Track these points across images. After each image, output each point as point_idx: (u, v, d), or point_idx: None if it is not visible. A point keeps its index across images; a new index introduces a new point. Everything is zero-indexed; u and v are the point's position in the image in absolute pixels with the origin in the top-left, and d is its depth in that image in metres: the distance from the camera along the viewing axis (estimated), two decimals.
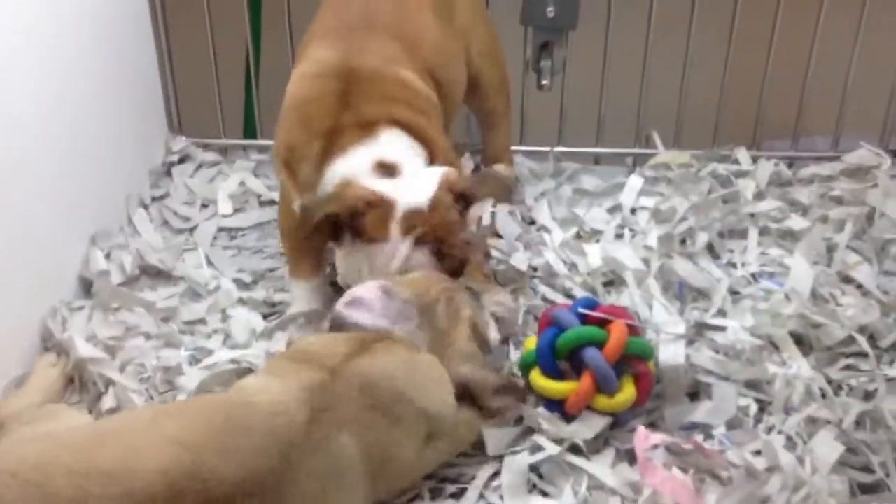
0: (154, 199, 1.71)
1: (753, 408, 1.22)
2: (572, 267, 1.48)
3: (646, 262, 1.45)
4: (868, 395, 1.22)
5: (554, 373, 1.17)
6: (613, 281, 1.45)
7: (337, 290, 1.45)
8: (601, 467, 1.12)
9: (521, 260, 1.48)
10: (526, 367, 1.21)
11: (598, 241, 1.55)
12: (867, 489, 1.11)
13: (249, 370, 1.28)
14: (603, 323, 1.18)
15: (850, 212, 1.57)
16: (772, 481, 1.08)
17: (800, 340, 1.31)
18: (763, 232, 1.56)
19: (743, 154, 1.75)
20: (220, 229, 1.64)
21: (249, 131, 2.01)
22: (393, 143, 1.27)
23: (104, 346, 1.33)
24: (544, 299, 1.43)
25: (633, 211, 1.64)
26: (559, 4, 1.73)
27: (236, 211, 1.69)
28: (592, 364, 1.14)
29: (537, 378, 1.18)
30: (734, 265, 1.49)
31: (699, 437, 1.17)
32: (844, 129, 1.83)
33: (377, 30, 1.37)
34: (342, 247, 1.26)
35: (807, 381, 1.23)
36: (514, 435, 1.16)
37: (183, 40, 1.84)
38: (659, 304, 1.34)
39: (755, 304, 1.38)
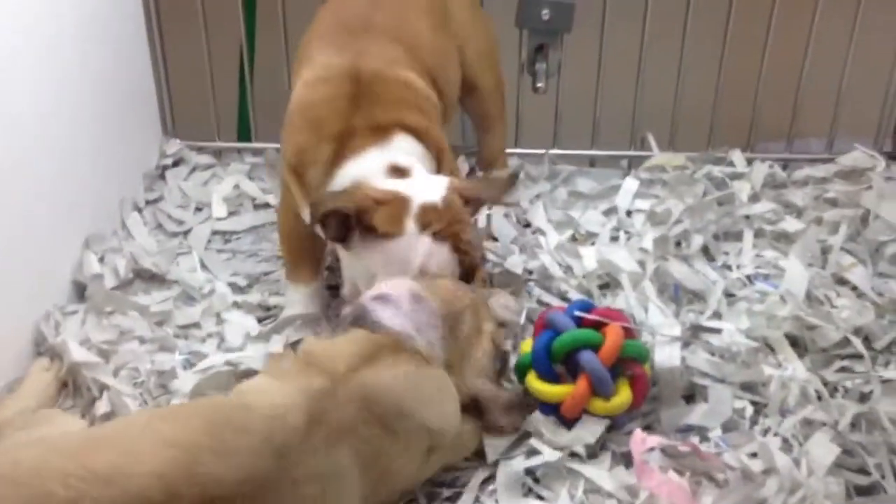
0: (148, 202, 1.71)
1: (749, 410, 1.22)
2: (568, 269, 1.48)
3: (641, 264, 1.45)
4: (863, 397, 1.23)
5: (550, 376, 1.17)
6: (609, 283, 1.45)
7: (333, 294, 1.46)
8: (597, 471, 1.12)
9: (516, 263, 1.48)
10: (522, 370, 1.20)
11: (593, 243, 1.55)
12: (863, 491, 1.11)
13: (245, 373, 1.28)
14: (598, 326, 1.18)
15: (845, 214, 1.58)
16: (768, 483, 1.08)
17: (795, 342, 1.31)
18: (758, 234, 1.56)
19: (738, 156, 1.76)
20: (215, 233, 1.64)
21: (244, 134, 2.01)
22: (405, 148, 1.27)
23: (98, 351, 1.33)
24: (539, 302, 1.42)
25: (629, 213, 1.64)
26: (554, 7, 1.72)
27: (230, 214, 1.69)
28: (588, 367, 1.13)
29: (533, 381, 1.17)
30: (729, 267, 1.50)
31: (695, 440, 1.17)
32: (838, 131, 1.83)
33: (377, 33, 1.37)
34: (350, 248, 1.24)
35: (802, 383, 1.23)
36: (514, 442, 1.15)
37: (177, 43, 1.84)
38: (654, 306, 1.34)
39: (750, 306, 1.38)
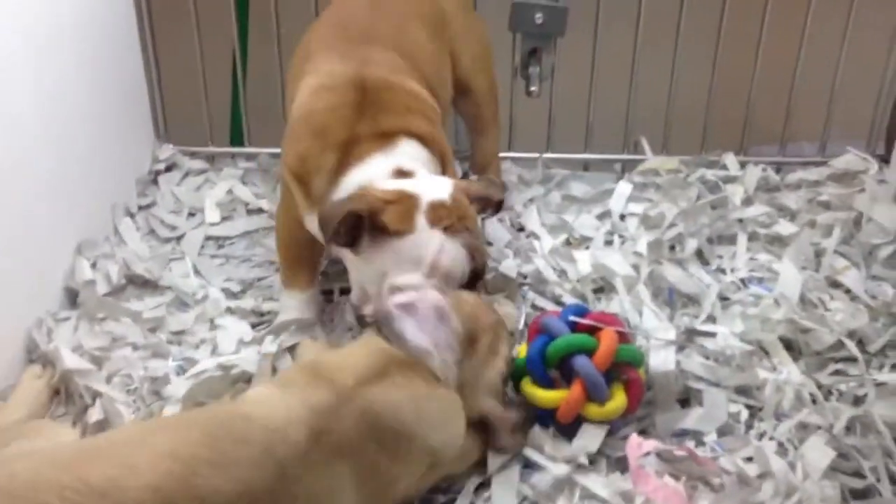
0: (140, 207, 1.70)
1: (744, 414, 1.21)
2: (562, 274, 1.48)
3: (635, 268, 1.45)
4: (858, 400, 1.23)
5: (544, 381, 1.16)
6: (603, 287, 1.44)
7: (328, 299, 1.46)
8: (593, 477, 1.11)
9: (510, 267, 1.47)
10: (517, 375, 1.20)
11: (587, 247, 1.55)
12: (858, 495, 1.11)
13: (239, 377, 1.27)
14: (592, 330, 1.18)
15: (838, 217, 1.58)
16: (764, 488, 1.08)
17: (789, 345, 1.31)
18: (752, 237, 1.56)
19: (731, 160, 1.76)
20: (208, 238, 1.63)
21: (236, 139, 2.01)
22: (410, 153, 1.27)
23: (90, 357, 1.32)
24: (534, 306, 1.42)
25: (623, 217, 1.64)
26: (547, 11, 1.72)
27: (224, 219, 1.68)
28: (582, 372, 1.13)
29: (528, 386, 1.17)
30: (723, 271, 1.50)
31: (690, 444, 1.17)
32: (831, 135, 1.83)
33: (377, 42, 1.37)
34: (360, 251, 1.23)
35: (797, 387, 1.23)
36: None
37: (169, 48, 1.83)
38: (649, 310, 1.34)
39: (745, 310, 1.38)
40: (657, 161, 1.77)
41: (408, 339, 1.08)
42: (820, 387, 1.25)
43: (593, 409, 1.14)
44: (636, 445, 1.09)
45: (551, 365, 1.17)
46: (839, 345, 1.30)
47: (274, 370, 1.29)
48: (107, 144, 1.64)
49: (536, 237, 1.58)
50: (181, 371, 1.31)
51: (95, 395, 1.25)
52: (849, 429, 1.17)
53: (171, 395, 1.26)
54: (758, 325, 1.34)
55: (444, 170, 1.32)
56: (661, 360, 1.22)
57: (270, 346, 1.33)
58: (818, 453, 1.13)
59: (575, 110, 1.83)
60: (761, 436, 1.18)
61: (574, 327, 1.18)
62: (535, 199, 1.71)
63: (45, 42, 1.43)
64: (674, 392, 1.22)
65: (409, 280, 1.19)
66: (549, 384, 1.16)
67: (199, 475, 0.88)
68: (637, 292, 1.39)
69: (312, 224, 1.28)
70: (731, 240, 1.56)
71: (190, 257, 1.57)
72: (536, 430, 1.16)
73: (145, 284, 1.50)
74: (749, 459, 1.14)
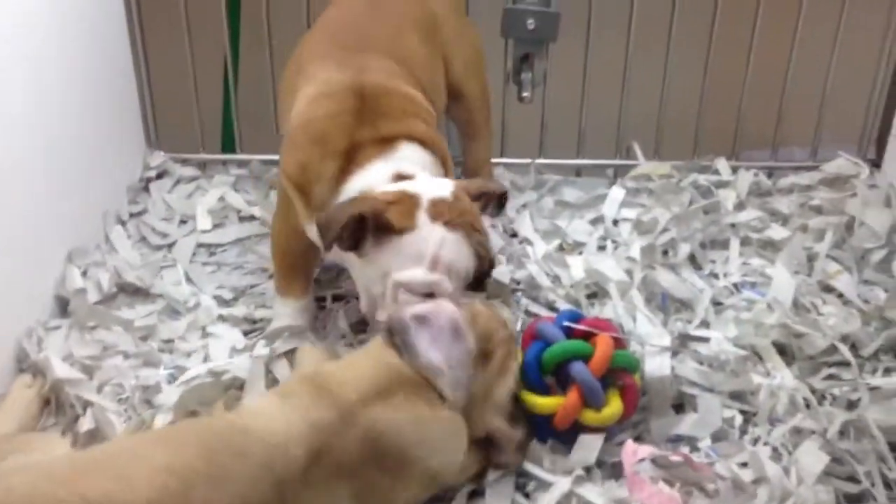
0: (131, 215, 1.69)
1: (738, 419, 1.21)
2: (555, 279, 1.48)
3: (629, 273, 1.45)
4: (851, 405, 1.23)
5: (540, 388, 1.16)
6: (597, 293, 1.44)
7: (320, 307, 1.45)
8: (588, 485, 1.11)
9: (503, 273, 1.47)
10: None
11: (580, 253, 1.55)
12: (853, 499, 1.11)
13: (231, 384, 1.26)
14: (587, 336, 1.18)
15: (830, 221, 1.58)
16: (758, 493, 1.08)
17: (782, 350, 1.31)
18: (744, 242, 1.56)
19: (723, 164, 1.76)
20: (199, 245, 1.62)
21: (228, 146, 2.00)
22: (410, 157, 1.27)
23: (81, 366, 1.31)
24: (527, 312, 1.42)
25: (616, 222, 1.64)
26: (539, 17, 1.73)
27: (215, 226, 1.67)
28: (579, 378, 1.13)
29: (524, 393, 1.16)
30: (716, 276, 1.50)
31: (685, 450, 1.16)
32: (822, 139, 1.84)
33: (372, 49, 1.37)
34: (363, 254, 1.22)
35: (791, 392, 1.23)
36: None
37: (160, 55, 1.83)
38: (643, 315, 1.34)
39: (738, 315, 1.38)
40: (649, 166, 1.77)
41: (420, 353, 1.06)
42: (813, 391, 1.25)
43: (590, 415, 1.14)
44: (631, 452, 1.08)
45: (547, 371, 1.16)
46: (832, 349, 1.30)
47: (268, 373, 1.28)
48: (97, 152, 1.63)
49: (529, 243, 1.57)
50: (173, 379, 1.30)
51: (86, 404, 1.24)
52: (842, 433, 1.17)
53: (162, 403, 1.25)
54: (751, 329, 1.34)
55: (446, 171, 1.32)
56: (656, 365, 1.21)
57: (262, 350, 1.32)
58: (812, 458, 1.13)
59: (567, 116, 1.83)
60: (755, 441, 1.18)
61: (569, 333, 1.18)
62: (527, 204, 1.71)
63: (35, 49, 1.42)
64: (668, 398, 1.22)
65: (412, 275, 1.19)
66: (545, 390, 1.16)
67: (195, 489, 0.87)
68: (630, 297, 1.39)
69: (314, 232, 1.27)
70: (724, 244, 1.56)
71: (181, 265, 1.56)
72: (534, 444, 1.15)
73: (136, 292, 1.49)
74: (743, 465, 1.14)
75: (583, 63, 1.80)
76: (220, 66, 1.94)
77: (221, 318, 1.43)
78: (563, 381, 1.16)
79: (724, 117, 1.82)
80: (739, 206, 1.65)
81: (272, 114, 1.83)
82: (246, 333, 1.41)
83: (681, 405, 1.24)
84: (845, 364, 1.28)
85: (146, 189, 1.77)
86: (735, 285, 1.47)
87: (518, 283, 1.48)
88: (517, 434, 1.13)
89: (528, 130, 1.84)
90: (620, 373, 1.16)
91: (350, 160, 1.25)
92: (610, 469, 1.14)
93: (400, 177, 1.24)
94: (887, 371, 1.29)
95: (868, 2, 1.76)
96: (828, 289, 1.46)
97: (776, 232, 1.57)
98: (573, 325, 1.18)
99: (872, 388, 1.23)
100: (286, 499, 0.91)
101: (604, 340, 1.15)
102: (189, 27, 1.80)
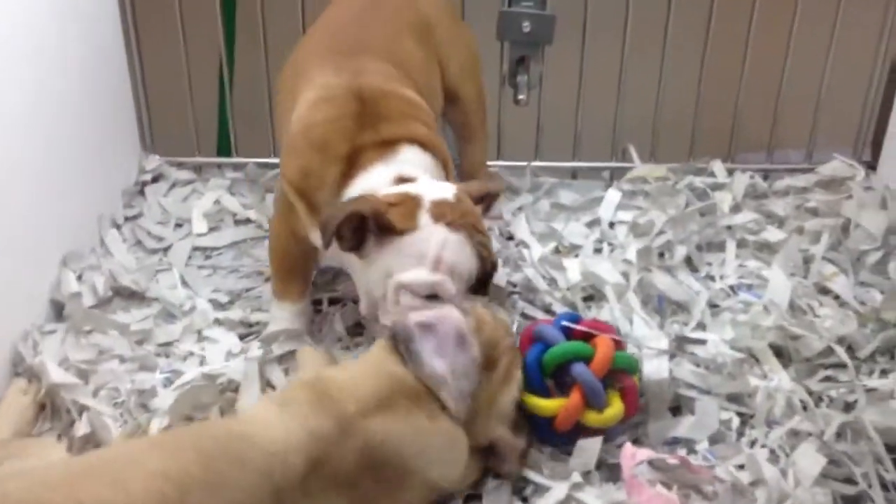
0: (127, 218, 1.69)
1: (735, 421, 1.21)
2: (552, 282, 1.47)
3: (625, 276, 1.45)
4: (848, 407, 1.22)
5: (542, 390, 1.15)
6: (593, 296, 1.44)
7: (316, 310, 1.45)
8: (587, 489, 1.11)
9: (500, 276, 1.47)
10: None
11: (576, 255, 1.55)
12: (850, 501, 1.11)
13: (227, 388, 1.26)
14: (586, 338, 1.17)
15: (826, 223, 1.58)
16: (756, 495, 1.08)
17: (779, 352, 1.31)
18: (740, 244, 1.56)
19: (718, 167, 1.77)
20: (195, 249, 1.62)
21: (224, 149, 2.00)
22: (411, 160, 1.27)
23: (77, 370, 1.31)
24: (524, 315, 1.42)
25: (612, 225, 1.64)
26: (535, 20, 1.73)
27: (211, 230, 1.67)
28: (581, 379, 1.13)
29: (525, 396, 1.15)
30: (712, 278, 1.50)
31: (682, 452, 1.16)
32: (817, 141, 1.84)
33: (368, 53, 1.37)
34: (365, 255, 1.22)
35: (788, 394, 1.23)
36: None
37: (155, 58, 1.82)
38: (639, 318, 1.34)
39: (734, 317, 1.38)
40: (645, 169, 1.77)
41: (424, 362, 1.05)
42: (810, 393, 1.25)
43: (592, 416, 1.13)
44: (630, 455, 1.08)
45: (547, 373, 1.16)
46: (829, 351, 1.30)
47: (262, 376, 1.28)
48: (92, 155, 1.63)
49: (526, 245, 1.57)
50: (169, 383, 1.29)
51: (82, 408, 1.24)
52: (839, 435, 1.16)
53: (158, 407, 1.24)
54: (748, 332, 1.34)
55: (447, 175, 1.32)
56: (653, 368, 1.21)
57: (256, 352, 1.31)
58: (809, 460, 1.13)
59: (563, 118, 1.83)
60: (753, 443, 1.18)
61: (567, 335, 1.18)
62: (523, 207, 1.70)
63: (30, 53, 1.42)
64: (666, 400, 1.21)
65: (414, 275, 1.18)
66: (545, 393, 1.16)
67: (192, 496, 0.86)
68: (627, 300, 1.38)
69: (317, 237, 1.26)
70: (720, 247, 1.56)
71: (177, 268, 1.55)
72: (532, 449, 1.15)
73: (132, 296, 1.49)
74: (741, 467, 1.14)
75: (578, 66, 1.80)
76: (216, 69, 1.93)
77: (217, 322, 1.43)
78: (561, 384, 1.15)
79: (720, 120, 1.83)
80: (735, 209, 1.65)
81: (267, 117, 1.83)
82: (242, 337, 1.40)
83: (678, 408, 1.24)
84: (842, 366, 1.28)
85: (141, 193, 1.76)
86: (731, 287, 1.47)
87: (514, 285, 1.48)
88: (520, 443, 1.12)
89: (524, 133, 1.85)
90: (620, 374, 1.16)
91: (352, 164, 1.25)
92: (607, 472, 1.14)
93: (401, 180, 1.24)
94: (884, 373, 1.29)
95: (863, 4, 1.76)
96: (824, 291, 1.46)
97: (772, 234, 1.58)
98: (573, 326, 1.18)
99: (869, 390, 1.23)
100: None
101: (604, 342, 1.15)
102: (184, 30, 1.80)
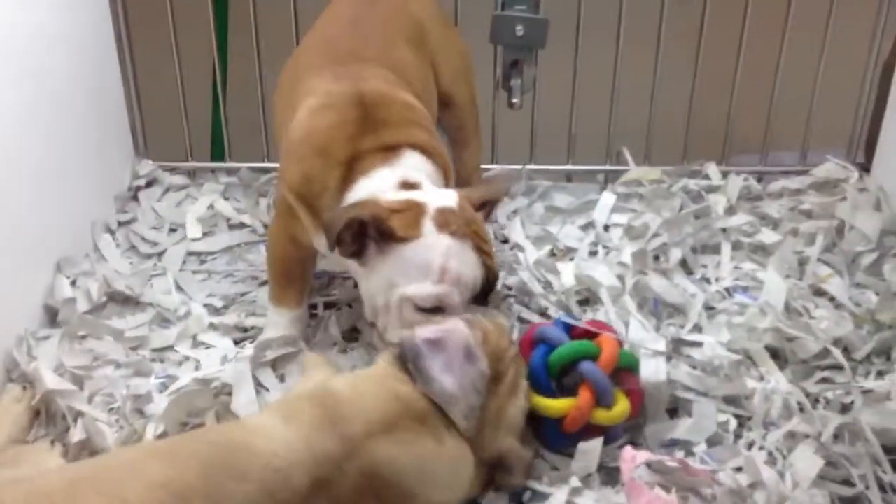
0: (121, 224, 1.68)
1: (733, 423, 1.21)
2: (547, 285, 1.47)
3: (620, 279, 1.45)
4: (845, 408, 1.22)
5: (548, 391, 1.15)
6: (589, 299, 1.44)
7: (311, 314, 1.44)
8: (586, 493, 1.10)
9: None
10: None
11: (571, 258, 1.55)
12: (848, 502, 1.11)
13: (221, 391, 1.25)
14: (588, 337, 1.17)
15: (820, 225, 1.59)
16: (755, 497, 1.08)
17: (775, 354, 1.31)
18: (735, 246, 1.56)
19: (713, 169, 1.77)
20: (189, 254, 1.61)
21: (217, 153, 1.99)
22: (414, 165, 1.26)
23: (72, 376, 1.30)
24: (520, 319, 1.41)
25: (607, 228, 1.64)
26: (528, 23, 1.73)
27: (205, 235, 1.66)
28: (590, 376, 1.12)
29: (535, 398, 1.14)
30: (708, 280, 1.50)
31: (680, 455, 1.16)
32: (811, 144, 1.84)
33: (366, 60, 1.37)
34: (366, 262, 1.21)
35: (785, 396, 1.23)
36: None
37: (148, 63, 1.82)
38: (636, 320, 1.34)
39: (730, 319, 1.38)
40: (640, 171, 1.77)
41: (434, 379, 1.04)
42: (807, 395, 1.25)
43: (601, 414, 1.13)
44: (630, 458, 1.08)
45: (553, 374, 1.16)
46: (825, 353, 1.30)
47: (255, 380, 1.27)
48: (85, 161, 1.62)
49: (521, 249, 1.57)
50: (164, 389, 1.29)
51: (77, 414, 1.23)
52: (837, 437, 1.16)
53: (154, 413, 1.23)
54: (744, 334, 1.34)
55: (447, 180, 1.32)
56: (651, 370, 1.21)
57: (247, 353, 1.31)
58: (807, 462, 1.13)
59: (557, 122, 1.83)
60: (750, 445, 1.18)
61: (569, 334, 1.18)
62: (518, 210, 1.70)
63: (22, 58, 1.41)
64: (664, 403, 1.21)
65: (419, 288, 1.17)
66: (552, 394, 1.15)
67: None
68: (623, 303, 1.38)
69: (321, 243, 1.25)
70: (715, 249, 1.56)
71: (171, 273, 1.55)
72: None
73: (126, 301, 1.48)
74: (738, 469, 1.14)
75: (572, 69, 1.80)
76: (209, 73, 1.93)
77: (212, 327, 1.42)
78: (564, 386, 1.15)
79: (714, 122, 1.83)
80: (730, 211, 1.65)
81: (261, 121, 1.83)
82: (237, 342, 1.40)
83: (675, 410, 1.24)
84: (838, 367, 1.28)
85: (135, 198, 1.76)
86: (727, 290, 1.47)
87: (510, 289, 1.47)
88: (528, 454, 1.11)
89: (519, 136, 1.85)
90: (623, 373, 1.16)
91: (353, 169, 1.24)
92: (606, 475, 1.14)
93: (405, 184, 1.23)
94: (880, 374, 1.29)
95: (855, 6, 1.76)
96: (819, 292, 1.46)
97: (767, 236, 1.58)
98: (576, 324, 1.19)
99: (865, 392, 1.23)
100: None
101: (609, 340, 1.16)
102: (176, 35, 1.79)
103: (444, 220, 1.19)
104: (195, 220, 1.68)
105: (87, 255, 1.58)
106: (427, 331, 1.08)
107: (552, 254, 1.57)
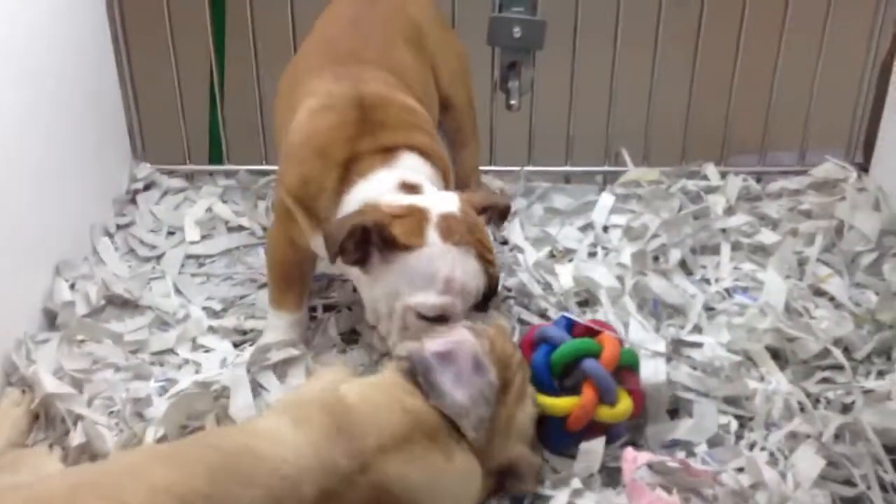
0: (119, 227, 1.68)
1: (734, 424, 1.21)
2: (546, 287, 1.47)
3: (620, 279, 1.45)
4: (846, 408, 1.22)
5: (551, 390, 1.15)
6: (588, 300, 1.44)
7: (311, 317, 1.44)
8: (588, 495, 1.10)
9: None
10: None
11: (571, 260, 1.55)
12: (850, 502, 1.11)
13: (220, 395, 1.25)
14: (589, 336, 1.18)
15: (819, 225, 1.59)
16: (756, 498, 1.08)
17: (776, 354, 1.31)
18: (735, 247, 1.56)
19: (711, 170, 1.77)
20: (188, 257, 1.61)
21: (215, 156, 1.99)
22: (412, 166, 1.25)
23: (71, 380, 1.29)
24: (520, 320, 1.41)
25: (605, 229, 1.64)
26: (525, 25, 1.73)
27: (203, 238, 1.66)
28: (593, 374, 1.13)
29: (540, 397, 1.14)
30: (708, 281, 1.50)
31: (681, 455, 1.16)
32: (810, 144, 1.84)
33: (366, 62, 1.37)
34: (370, 270, 1.20)
35: (786, 396, 1.23)
36: None
37: (145, 66, 1.82)
38: (635, 321, 1.33)
39: (730, 320, 1.38)
40: (638, 172, 1.77)
41: (445, 393, 1.03)
42: (808, 395, 1.25)
43: (605, 412, 1.13)
44: (631, 459, 1.08)
45: (555, 373, 1.16)
46: (825, 353, 1.30)
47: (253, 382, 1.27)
48: (83, 164, 1.62)
49: (520, 250, 1.57)
50: (164, 392, 1.28)
51: (77, 418, 1.23)
52: (838, 437, 1.16)
53: (153, 416, 1.23)
54: (744, 334, 1.34)
55: (446, 183, 1.31)
56: (651, 371, 1.21)
57: (245, 355, 1.31)
58: (808, 462, 1.13)
59: (555, 123, 1.83)
60: (752, 446, 1.18)
61: (570, 332, 1.18)
62: (517, 212, 1.70)
63: (19, 62, 1.41)
64: (664, 403, 1.21)
65: (424, 299, 1.16)
66: (555, 393, 1.15)
67: None
68: (622, 304, 1.38)
69: (319, 245, 1.25)
70: (715, 250, 1.56)
71: (170, 276, 1.54)
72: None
73: (125, 305, 1.48)
74: (740, 470, 1.13)
75: (570, 70, 1.80)
76: (206, 76, 1.93)
77: (211, 330, 1.42)
78: (565, 386, 1.15)
79: (712, 123, 1.83)
80: (729, 211, 1.65)
81: (259, 124, 1.82)
82: (236, 345, 1.40)
83: (675, 410, 1.23)
84: (839, 367, 1.28)
85: (133, 201, 1.75)
86: (727, 290, 1.47)
87: (509, 290, 1.47)
88: (538, 460, 1.11)
89: (517, 138, 1.84)
90: (625, 372, 1.16)
91: (350, 170, 1.24)
92: (607, 476, 1.14)
93: (405, 185, 1.23)
94: (880, 374, 1.29)
95: (853, 6, 1.77)
96: (819, 293, 1.46)
97: (766, 236, 1.58)
98: (577, 320, 1.19)
99: (866, 392, 1.24)
100: None
101: (610, 338, 1.16)
102: (173, 38, 1.79)
103: (448, 228, 1.18)
104: (193, 223, 1.68)
105: (86, 259, 1.57)
106: (436, 344, 1.07)
107: (551, 255, 1.57)
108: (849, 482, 1.12)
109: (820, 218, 1.62)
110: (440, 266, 1.17)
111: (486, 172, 1.79)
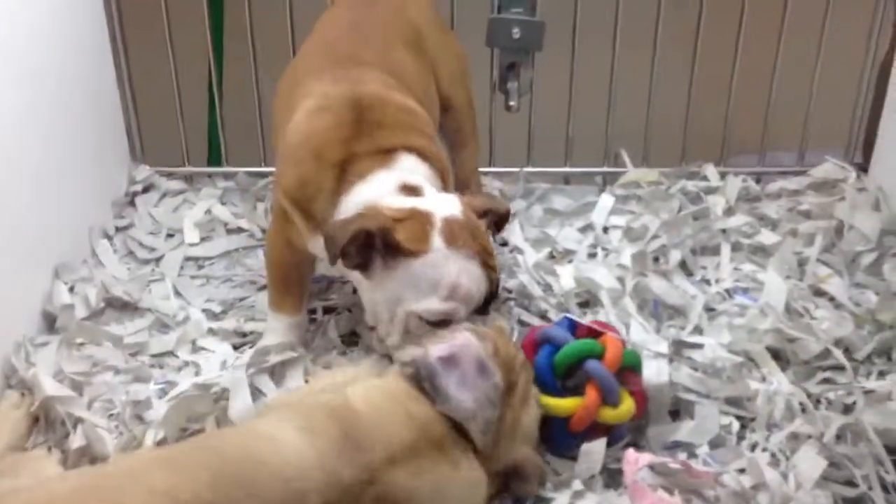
0: (118, 229, 1.67)
1: (735, 425, 1.21)
2: (547, 288, 1.47)
3: (620, 281, 1.44)
4: (847, 409, 1.22)
5: (555, 391, 1.15)
6: (588, 301, 1.44)
7: (310, 319, 1.44)
8: (589, 496, 1.10)
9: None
10: None
11: (571, 261, 1.55)
12: (851, 503, 1.11)
13: (220, 397, 1.24)
14: (591, 337, 1.17)
15: (819, 225, 1.59)
16: (758, 499, 1.08)
17: (776, 355, 1.31)
18: (735, 247, 1.56)
19: (711, 171, 1.77)
20: (187, 259, 1.61)
21: (214, 158, 1.99)
22: (411, 168, 1.25)
23: (71, 383, 1.29)
24: (520, 322, 1.41)
25: (605, 230, 1.63)
26: (524, 26, 1.73)
27: (203, 240, 1.66)
28: (596, 374, 1.13)
29: (543, 398, 1.14)
30: (708, 281, 1.50)
31: (683, 457, 1.16)
32: (809, 144, 1.84)
33: (366, 63, 1.36)
34: (372, 275, 1.19)
35: (787, 397, 1.23)
36: None
37: (144, 68, 1.81)
38: (636, 322, 1.33)
39: (731, 320, 1.38)
40: (638, 173, 1.77)
41: (451, 397, 1.03)
42: (809, 396, 1.25)
43: (608, 412, 1.13)
44: (633, 461, 1.08)
45: (559, 374, 1.15)
46: (826, 353, 1.30)
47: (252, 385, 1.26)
48: (82, 167, 1.62)
49: (520, 251, 1.57)
50: (163, 394, 1.28)
51: (77, 421, 1.22)
52: (839, 437, 1.16)
53: (153, 419, 1.23)
54: (745, 335, 1.33)
55: (445, 185, 1.30)
56: (653, 372, 1.21)
57: (244, 358, 1.31)
58: (810, 463, 1.13)
59: (554, 124, 1.83)
60: (753, 447, 1.18)
61: (572, 333, 1.18)
62: (517, 213, 1.70)
63: (17, 64, 1.41)
64: (666, 404, 1.21)
65: (427, 305, 1.16)
66: (559, 393, 1.15)
67: None
68: (623, 305, 1.38)
69: (317, 247, 1.24)
70: (715, 250, 1.56)
71: (169, 279, 1.54)
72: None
73: (124, 307, 1.47)
74: (742, 471, 1.13)
75: (569, 71, 1.80)
76: (205, 78, 1.92)
77: (211, 332, 1.42)
78: (568, 387, 1.15)
79: (712, 123, 1.83)
80: (729, 212, 1.65)
81: (258, 126, 1.82)
82: (236, 347, 1.39)
83: (677, 412, 1.23)
84: (840, 368, 1.28)
85: (132, 203, 1.75)
86: (727, 291, 1.47)
87: (509, 291, 1.47)
88: (541, 462, 1.11)
89: (516, 139, 1.84)
90: (627, 373, 1.16)
91: (346, 171, 1.23)
92: (608, 478, 1.14)
93: (406, 187, 1.22)
94: (881, 374, 1.29)
95: (852, 7, 1.77)
96: (819, 293, 1.46)
97: (766, 237, 1.58)
98: (579, 321, 1.19)
99: (867, 392, 1.23)
100: None
101: (612, 339, 1.16)
102: (172, 40, 1.79)
103: (452, 233, 1.17)
104: (193, 225, 1.67)
105: (85, 261, 1.57)
106: (440, 348, 1.07)
107: (551, 256, 1.57)
108: (850, 483, 1.12)
109: (820, 218, 1.62)
110: (445, 272, 1.16)
111: (486, 173, 1.79)
